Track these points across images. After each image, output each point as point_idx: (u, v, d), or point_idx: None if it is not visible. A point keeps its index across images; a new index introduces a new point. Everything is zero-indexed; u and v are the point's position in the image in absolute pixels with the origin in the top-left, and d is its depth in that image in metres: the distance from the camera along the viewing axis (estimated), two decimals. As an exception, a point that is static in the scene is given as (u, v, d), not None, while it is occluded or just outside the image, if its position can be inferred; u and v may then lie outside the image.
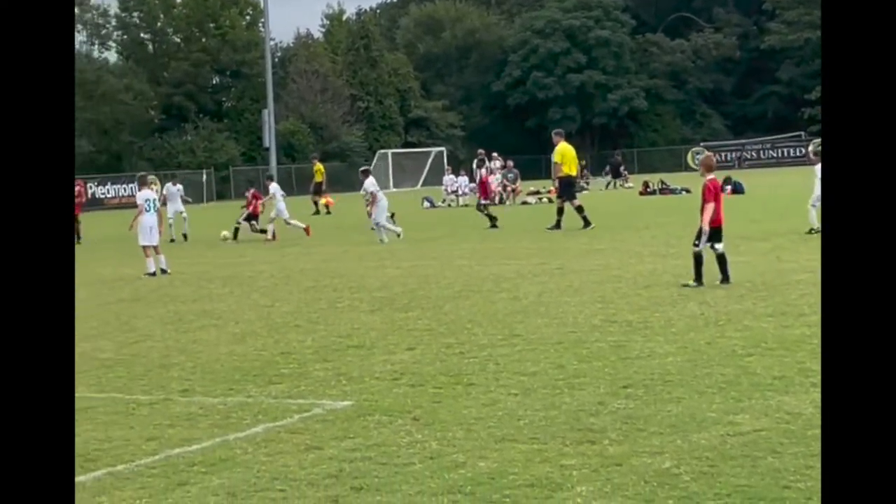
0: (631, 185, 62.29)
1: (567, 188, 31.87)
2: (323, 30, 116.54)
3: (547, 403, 9.30)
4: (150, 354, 13.00)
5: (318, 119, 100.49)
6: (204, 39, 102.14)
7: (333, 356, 12.18)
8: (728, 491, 6.73)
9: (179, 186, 38.82)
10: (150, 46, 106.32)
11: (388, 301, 16.72)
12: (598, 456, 7.62)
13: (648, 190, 51.29)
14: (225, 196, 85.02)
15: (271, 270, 23.00)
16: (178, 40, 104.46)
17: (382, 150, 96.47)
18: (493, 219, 33.21)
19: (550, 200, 51.10)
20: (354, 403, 9.73)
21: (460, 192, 53.93)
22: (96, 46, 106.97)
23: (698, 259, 16.30)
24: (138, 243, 24.01)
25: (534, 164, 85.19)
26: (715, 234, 16.36)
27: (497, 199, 51.22)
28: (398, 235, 30.08)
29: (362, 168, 35.77)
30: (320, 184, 52.21)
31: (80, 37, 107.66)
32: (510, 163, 53.39)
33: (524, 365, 11.08)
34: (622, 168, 69.19)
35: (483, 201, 35.26)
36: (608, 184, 64.62)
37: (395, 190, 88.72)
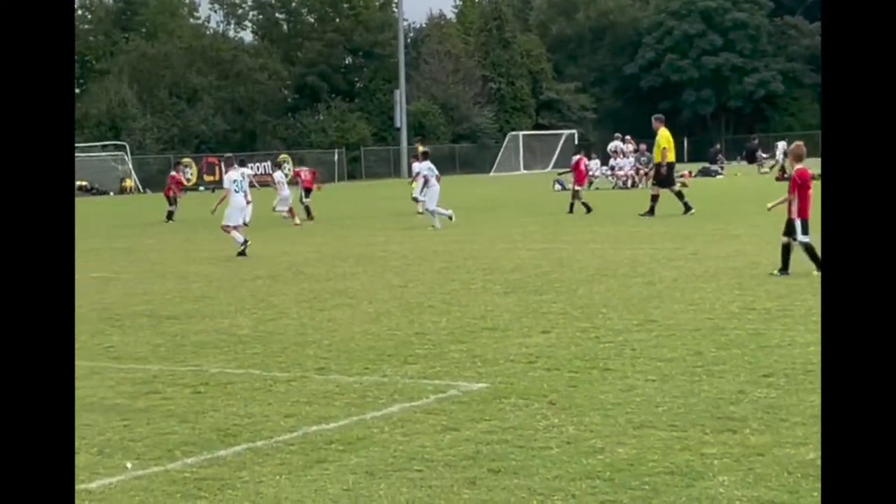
0: (766, 170, 61.27)
1: (670, 174, 31.74)
2: (455, 10, 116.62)
3: (685, 390, 9.18)
4: (287, 332, 13.12)
5: (449, 100, 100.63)
6: (338, 20, 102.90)
7: (468, 338, 12.16)
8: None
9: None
10: (285, 26, 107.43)
11: (521, 283, 16.67)
12: (740, 445, 7.48)
13: (785, 176, 50.41)
14: (355, 176, 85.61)
15: (403, 251, 23.09)
16: (312, 20, 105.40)
17: (513, 132, 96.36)
18: (587, 207, 32.93)
19: (684, 185, 50.66)
20: (490, 386, 9.70)
21: (593, 175, 53.55)
22: (232, 26, 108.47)
23: (787, 249, 16.27)
24: (223, 223, 24.25)
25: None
26: (803, 226, 16.23)
27: (630, 182, 50.88)
28: (450, 218, 29.63)
29: (421, 150, 35.01)
30: None
31: (216, 16, 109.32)
32: (643, 146, 52.88)
33: (661, 351, 10.95)
34: (759, 153, 68.05)
35: (576, 187, 34.86)
36: (773, 165, 61.75)
37: (525, 172, 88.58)
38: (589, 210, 32.70)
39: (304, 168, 40.96)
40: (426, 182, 30.44)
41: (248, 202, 25.04)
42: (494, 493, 6.68)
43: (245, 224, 25.00)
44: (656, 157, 32.44)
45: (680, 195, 30.86)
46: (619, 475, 6.93)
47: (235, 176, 24.74)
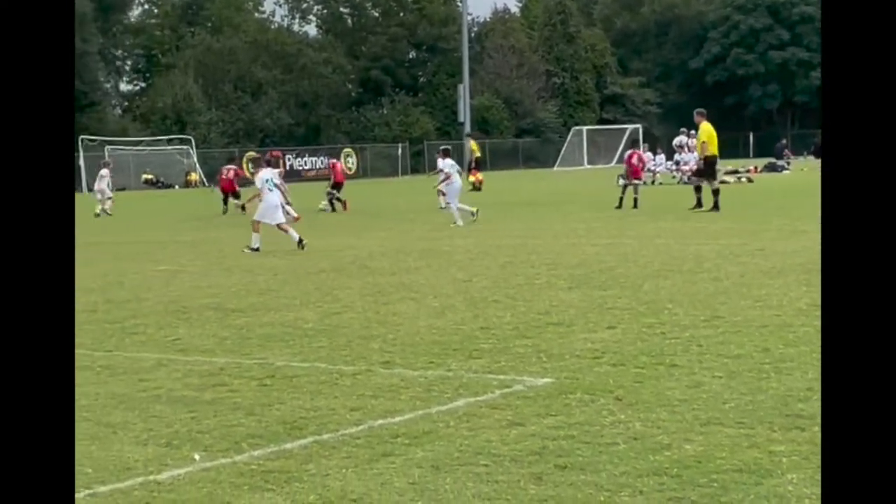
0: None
1: (709, 168, 31.63)
2: (520, 5, 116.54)
3: (753, 387, 9.10)
4: (352, 325, 13.15)
5: (512, 94, 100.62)
6: (402, 14, 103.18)
7: (533, 332, 12.14)
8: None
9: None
10: (349, 20, 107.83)
11: (586, 279, 16.62)
12: (809, 443, 7.40)
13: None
14: (419, 170, 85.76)
15: (467, 245, 23.09)
16: (377, 14, 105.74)
17: (577, 127, 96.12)
18: (635, 201, 32.77)
19: (750, 180, 50.33)
20: (555, 381, 9.67)
21: (656, 170, 53.30)
22: (297, 20, 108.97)
23: None
24: (254, 218, 24.52)
25: (732, 142, 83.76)
26: None
27: (687, 178, 50.53)
28: (472, 214, 29.72)
29: (442, 147, 36.37)
30: (479, 160, 53.72)
31: (280, 11, 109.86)
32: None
33: (728, 347, 10.86)
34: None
35: (632, 181, 34.64)
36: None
37: (588, 167, 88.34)
38: (634, 205, 32.56)
39: (230, 167, 41.87)
40: (448, 179, 30.66)
41: (288, 202, 25.50)
42: (561, 489, 6.66)
43: (295, 218, 25.25)
44: (697, 151, 32.47)
45: (716, 192, 30.76)
46: (687, 472, 6.88)
47: (267, 175, 24.95)
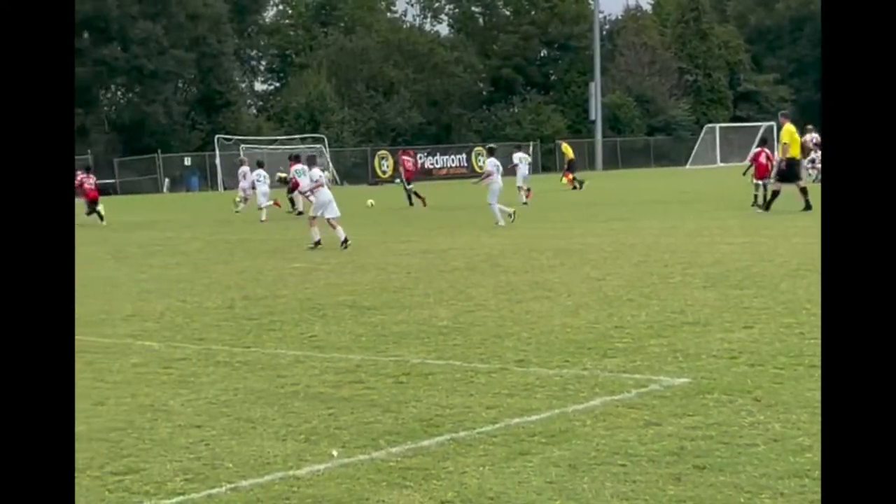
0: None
1: (791, 170, 31.11)
2: (652, 2, 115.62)
3: None
4: (486, 323, 13.17)
5: (644, 92, 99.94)
6: (533, 12, 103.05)
7: (668, 332, 12.04)
8: None
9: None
10: (481, 19, 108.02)
11: (721, 277, 16.43)
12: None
13: None
14: (550, 168, 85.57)
15: (601, 244, 22.99)
16: (508, 13, 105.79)
17: (710, 124, 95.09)
18: (765, 200, 32.20)
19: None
20: (692, 381, 9.58)
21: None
22: (428, 19, 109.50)
23: None
24: (310, 214, 25.51)
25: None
26: None
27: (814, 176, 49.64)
28: (509, 216, 29.85)
29: (488, 146, 37.44)
30: (572, 161, 55.04)
31: (412, 10, 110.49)
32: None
33: (869, 348, 10.65)
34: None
35: (756, 181, 34.01)
36: None
37: (721, 165, 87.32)
38: (766, 205, 32.09)
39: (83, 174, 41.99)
40: (490, 177, 30.71)
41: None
42: (700, 490, 6.59)
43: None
44: (779, 153, 32.04)
45: (804, 191, 30.26)
46: (829, 475, 6.76)
47: (317, 173, 25.90)
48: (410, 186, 42.84)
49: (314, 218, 25.20)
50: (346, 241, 24.30)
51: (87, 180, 40.35)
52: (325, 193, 25.10)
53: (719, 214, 30.92)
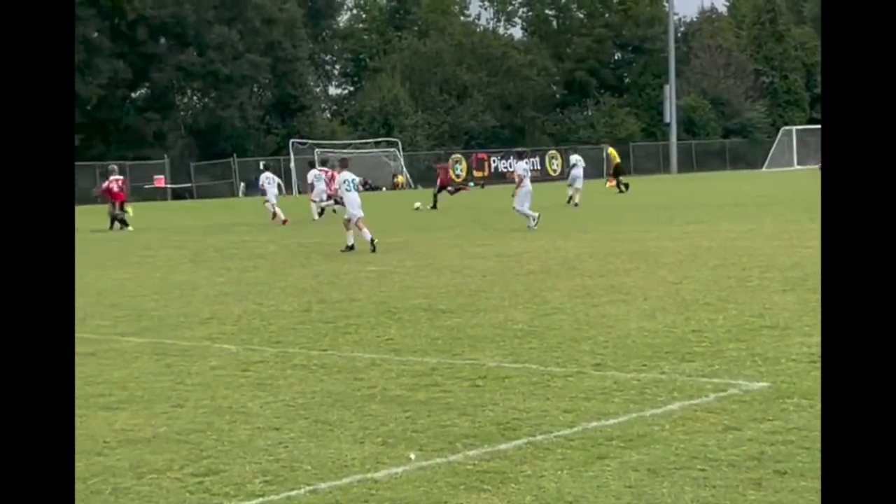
0: None
1: None
2: (727, 4, 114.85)
3: (981, 395, 8.77)
4: (562, 327, 13.13)
5: (719, 94, 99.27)
6: (607, 15, 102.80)
7: (747, 336, 11.94)
8: None
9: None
10: (555, 22, 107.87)
11: (800, 281, 16.27)
12: None
13: None
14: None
15: (677, 247, 22.84)
16: (582, 16, 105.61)
17: (786, 127, 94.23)
18: None
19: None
20: (771, 385, 9.49)
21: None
22: (502, 23, 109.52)
23: None
24: (345, 217, 25.96)
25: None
26: None
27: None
28: (533, 219, 30.06)
29: (518, 150, 38.76)
30: (618, 165, 55.95)
31: (486, 14, 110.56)
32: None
33: (953, 353, 10.49)
34: None
35: None
36: None
37: (798, 167, 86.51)
38: None
39: (116, 177, 41.85)
40: (521, 182, 30.72)
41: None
42: (781, 496, 6.52)
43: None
44: None
45: None
46: (914, 481, 6.67)
47: (346, 177, 26.07)
48: (441, 193, 45.80)
49: (349, 220, 25.64)
50: (373, 241, 24.75)
51: (115, 183, 40.73)
52: (355, 198, 25.51)
53: (797, 217, 30.59)
